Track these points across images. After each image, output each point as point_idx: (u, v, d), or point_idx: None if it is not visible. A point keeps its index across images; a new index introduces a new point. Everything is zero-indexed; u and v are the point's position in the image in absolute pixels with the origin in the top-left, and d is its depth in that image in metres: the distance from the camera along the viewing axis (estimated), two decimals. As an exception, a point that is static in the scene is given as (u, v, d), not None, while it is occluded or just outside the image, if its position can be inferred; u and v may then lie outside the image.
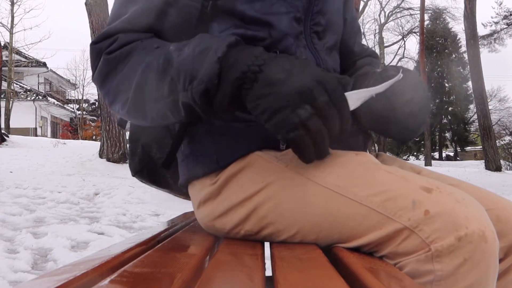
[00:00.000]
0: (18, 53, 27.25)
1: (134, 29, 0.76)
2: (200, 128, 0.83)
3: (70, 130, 31.90)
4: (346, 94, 0.66)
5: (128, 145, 1.03)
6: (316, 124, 0.63)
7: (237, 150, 0.79)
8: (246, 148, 0.79)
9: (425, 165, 18.15)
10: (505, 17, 19.08)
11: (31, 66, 28.94)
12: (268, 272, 0.57)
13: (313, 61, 0.86)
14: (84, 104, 33.84)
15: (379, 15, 30.69)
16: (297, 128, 0.62)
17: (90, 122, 33.27)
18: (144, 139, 0.97)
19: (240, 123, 0.80)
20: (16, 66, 26.69)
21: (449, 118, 32.55)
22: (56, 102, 30.27)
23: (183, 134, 0.85)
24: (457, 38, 31.11)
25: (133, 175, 1.03)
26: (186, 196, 1.02)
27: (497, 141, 15.29)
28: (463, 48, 28.06)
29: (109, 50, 0.75)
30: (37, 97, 28.27)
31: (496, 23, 19.50)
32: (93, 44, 0.78)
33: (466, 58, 16.89)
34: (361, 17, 25.53)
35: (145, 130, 0.98)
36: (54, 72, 31.57)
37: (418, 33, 24.78)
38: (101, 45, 0.77)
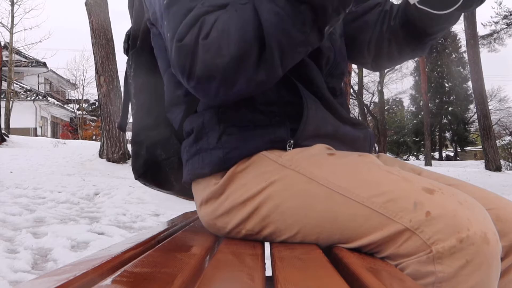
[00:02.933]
0: (18, 53, 27.24)
1: (215, 9, 0.70)
2: (207, 128, 0.83)
3: (70, 130, 31.89)
4: None
5: (130, 147, 1.02)
6: None
7: (244, 151, 0.79)
8: (253, 150, 0.79)
9: (425, 165, 18.15)
10: (505, 17, 19.05)
11: (31, 66, 28.92)
12: (268, 272, 0.57)
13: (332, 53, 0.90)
14: (84, 104, 33.83)
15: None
16: None
17: (90, 122, 33.27)
18: (149, 141, 0.96)
19: (248, 125, 0.80)
20: (16, 66, 26.67)
21: (449, 118, 32.56)
22: (56, 102, 30.26)
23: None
24: (457, 38, 31.11)
25: (136, 178, 1.01)
26: (188, 196, 1.02)
27: (497, 141, 15.27)
28: (463, 48, 28.06)
29: (205, 34, 0.67)
30: (37, 97, 28.26)
31: (496, 23, 19.47)
32: (178, 42, 0.69)
33: (466, 58, 16.91)
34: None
35: (149, 132, 0.97)
36: (54, 72, 31.56)
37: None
38: (189, 38, 0.68)
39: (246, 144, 0.79)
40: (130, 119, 1.05)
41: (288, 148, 0.79)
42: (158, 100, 0.96)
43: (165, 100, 0.94)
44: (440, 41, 30.94)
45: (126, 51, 1.04)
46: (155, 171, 0.97)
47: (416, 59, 27.53)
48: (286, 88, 0.82)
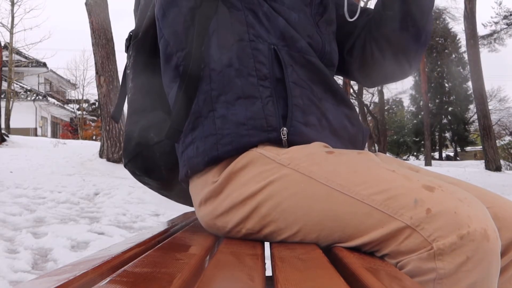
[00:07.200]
0: (18, 53, 27.25)
1: None
2: (203, 116, 0.83)
3: (70, 130, 31.90)
4: None
5: (124, 129, 1.02)
6: None
7: (237, 138, 0.79)
8: (247, 137, 0.79)
9: (425, 165, 18.15)
10: (505, 17, 19.07)
11: (31, 66, 28.93)
12: (268, 272, 0.57)
13: (320, 43, 0.91)
14: (84, 104, 33.83)
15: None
16: None
17: (90, 122, 33.28)
18: (143, 122, 0.97)
19: (241, 106, 0.80)
20: (16, 66, 26.68)
21: (449, 118, 32.57)
22: (56, 102, 30.27)
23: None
24: (457, 38, 31.11)
25: (125, 164, 1.01)
26: (184, 200, 1.02)
27: (497, 141, 15.28)
28: (463, 48, 28.05)
29: None
30: (37, 97, 28.26)
31: (496, 23, 19.49)
32: None
33: (466, 58, 16.92)
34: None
35: (145, 114, 0.98)
36: (54, 72, 31.56)
37: (418, 33, 24.67)
38: None
39: (239, 130, 0.79)
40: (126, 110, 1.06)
41: (282, 137, 0.79)
42: (157, 84, 0.97)
43: (162, 78, 0.94)
44: (440, 41, 30.95)
45: (127, 48, 1.05)
46: (145, 156, 0.97)
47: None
48: (278, 65, 0.83)
